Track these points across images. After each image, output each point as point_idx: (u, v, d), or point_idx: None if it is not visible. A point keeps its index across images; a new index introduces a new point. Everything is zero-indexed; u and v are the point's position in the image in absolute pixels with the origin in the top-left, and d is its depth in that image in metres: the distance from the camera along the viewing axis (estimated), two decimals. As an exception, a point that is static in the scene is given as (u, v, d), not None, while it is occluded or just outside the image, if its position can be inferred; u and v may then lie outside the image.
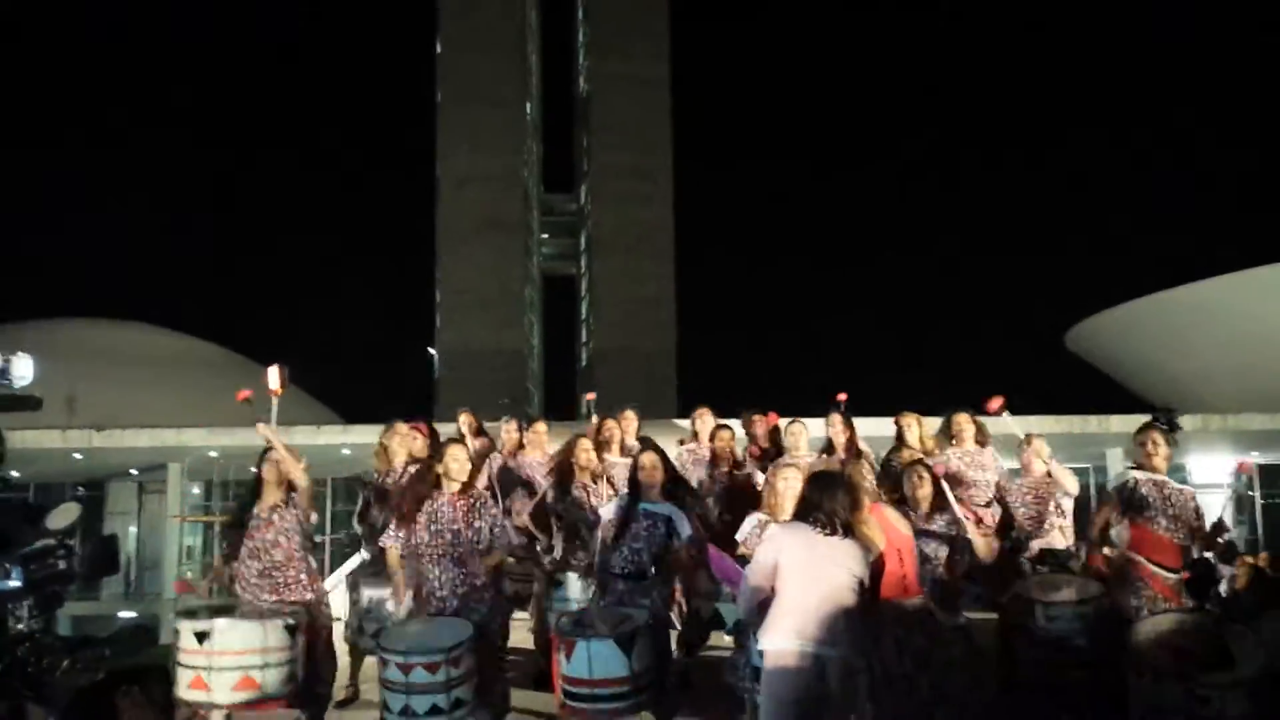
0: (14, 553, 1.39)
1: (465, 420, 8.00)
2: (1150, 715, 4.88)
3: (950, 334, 68.94)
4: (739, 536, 5.63)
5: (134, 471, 27.89)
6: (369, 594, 6.40)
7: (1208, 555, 6.54)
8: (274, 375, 12.41)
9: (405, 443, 6.86)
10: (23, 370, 2.64)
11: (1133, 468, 5.88)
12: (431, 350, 62.60)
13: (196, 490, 27.85)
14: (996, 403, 7.27)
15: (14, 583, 1.36)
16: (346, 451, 23.81)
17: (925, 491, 6.01)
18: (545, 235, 71.44)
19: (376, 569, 6.58)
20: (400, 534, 5.45)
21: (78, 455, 23.85)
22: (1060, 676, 5.74)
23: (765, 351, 74.50)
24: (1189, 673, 4.81)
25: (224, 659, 4.84)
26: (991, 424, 7.22)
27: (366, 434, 23.57)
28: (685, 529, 5.75)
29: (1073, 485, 6.85)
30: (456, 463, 5.55)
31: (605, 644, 5.09)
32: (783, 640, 4.05)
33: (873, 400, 7.79)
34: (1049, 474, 6.79)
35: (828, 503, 4.08)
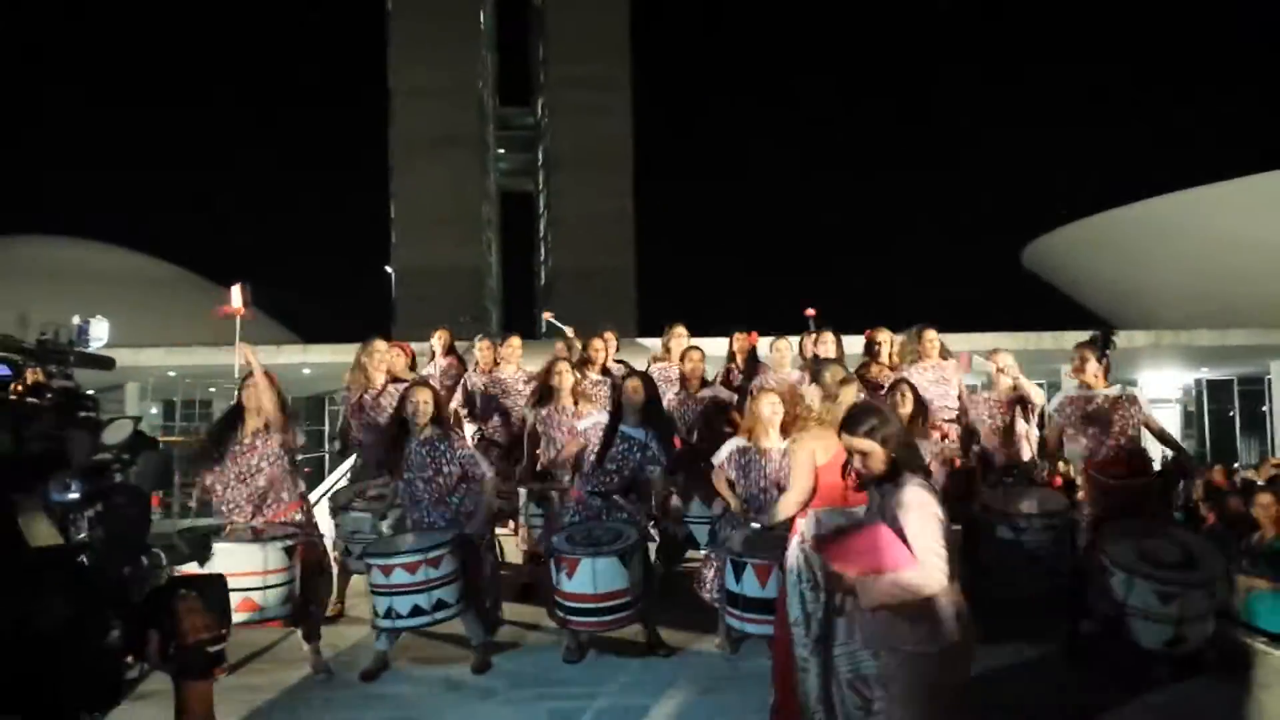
0: (73, 467, 1.43)
1: (440, 337, 8.02)
2: (1115, 612, 5.10)
3: (910, 250, 69.23)
4: (716, 460, 5.71)
5: (90, 391, 27.63)
6: (353, 513, 6.49)
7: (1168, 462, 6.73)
8: (236, 294, 12.32)
9: (386, 359, 6.87)
10: (99, 332, 2.72)
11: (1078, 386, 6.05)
12: (388, 269, 62.00)
13: (155, 410, 27.64)
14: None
15: (73, 495, 1.40)
16: (307, 371, 23.72)
17: (907, 410, 6.15)
18: (501, 150, 70.45)
19: (359, 488, 6.66)
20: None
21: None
22: (1028, 587, 5.94)
23: (725, 269, 74.46)
24: (1154, 571, 5.02)
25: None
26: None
27: (326, 353, 23.52)
28: (660, 455, 5.86)
29: (1038, 396, 7.01)
30: (423, 405, 5.65)
31: (609, 560, 5.28)
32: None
33: (834, 316, 7.90)
34: (1014, 387, 6.94)
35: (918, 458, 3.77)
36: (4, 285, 29.95)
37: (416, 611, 5.20)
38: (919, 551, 3.30)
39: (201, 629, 1.41)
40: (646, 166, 61.81)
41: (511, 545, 7.60)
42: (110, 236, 39.96)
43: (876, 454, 3.53)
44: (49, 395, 1.92)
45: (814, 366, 4.97)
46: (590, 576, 5.29)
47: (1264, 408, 21.44)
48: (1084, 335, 6.31)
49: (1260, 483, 9.94)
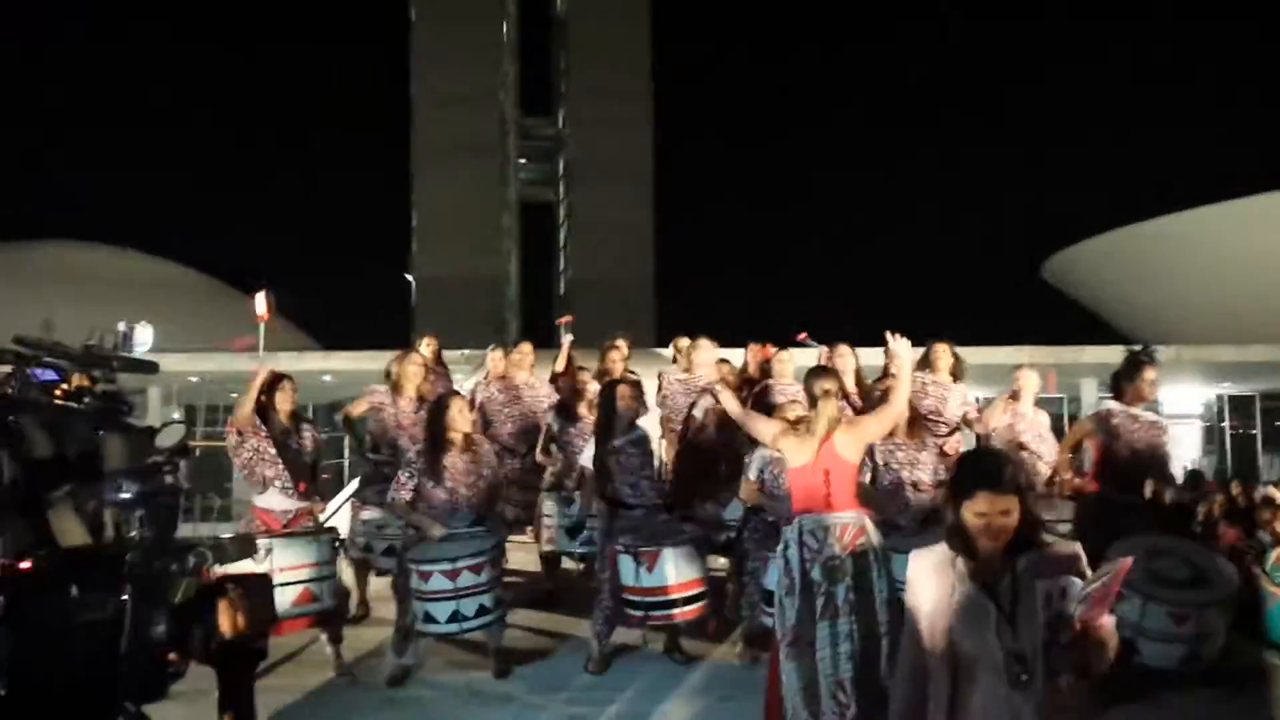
0: (127, 469, 1.50)
1: (429, 344, 7.95)
2: (1128, 634, 5.10)
3: (931, 264, 69.10)
4: (750, 475, 5.75)
5: (129, 397, 27.86)
6: (375, 514, 6.57)
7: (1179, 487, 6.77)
8: (261, 301, 12.46)
9: (418, 375, 6.88)
10: (144, 338, 2.83)
11: (1109, 398, 6.08)
12: (408, 277, 62.26)
13: (177, 415, 27.86)
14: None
15: (126, 495, 1.47)
16: (327, 379, 23.87)
17: (903, 417, 6.19)
18: (522, 160, 70.63)
19: (380, 488, 6.74)
20: (410, 489, 5.62)
21: None
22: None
23: (744, 281, 74.44)
24: (1166, 593, 5.02)
25: (284, 574, 5.10)
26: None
27: (346, 361, 23.67)
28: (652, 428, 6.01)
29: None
30: (461, 416, 5.74)
31: (687, 549, 5.42)
32: None
33: (853, 330, 7.91)
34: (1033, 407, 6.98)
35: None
36: (29, 289, 30.24)
37: (482, 611, 5.28)
38: None
39: (243, 626, 1.47)
40: (667, 177, 61.75)
41: (525, 554, 7.66)
42: (132, 242, 40.41)
43: (1016, 510, 2.70)
44: (87, 400, 2.00)
45: (806, 376, 5.01)
46: (673, 566, 5.43)
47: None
48: (1104, 350, 6.37)
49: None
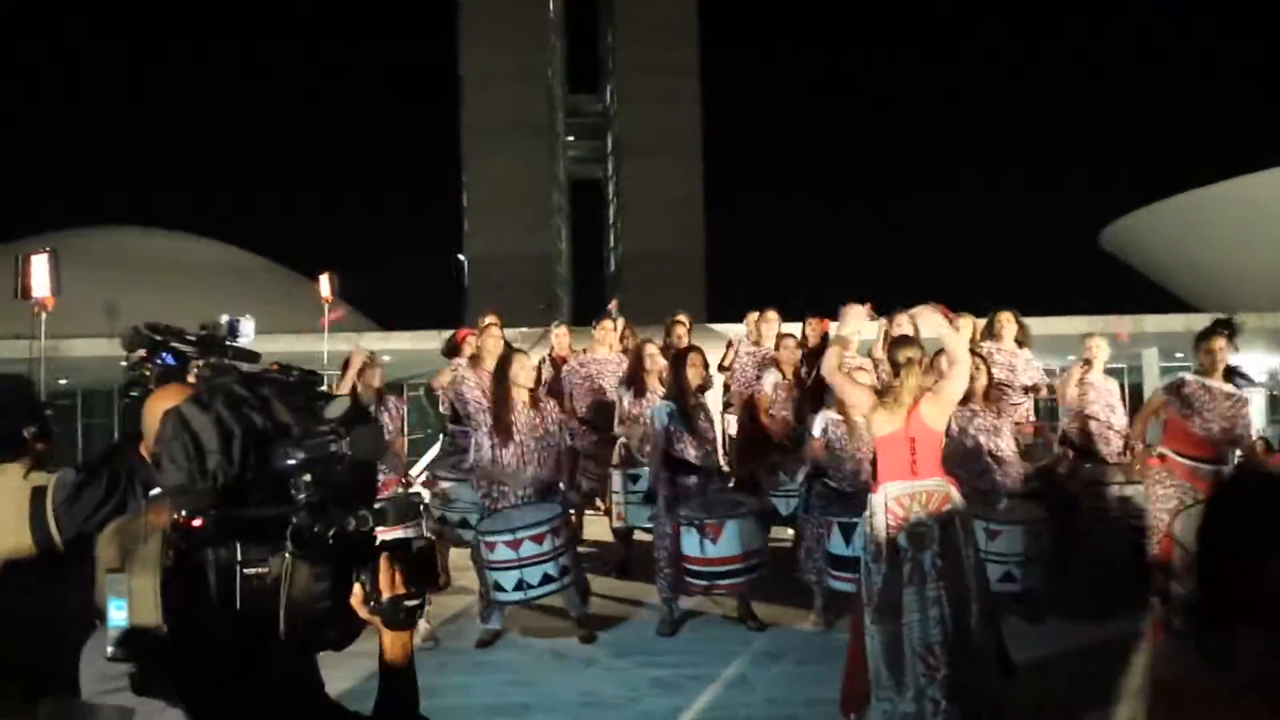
0: (294, 437, 1.63)
1: (492, 320, 7.96)
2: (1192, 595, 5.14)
3: (988, 233, 68.25)
4: (815, 432, 5.93)
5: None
6: (448, 486, 6.77)
7: (1244, 457, 6.75)
8: (325, 283, 12.71)
9: (498, 347, 7.01)
10: (247, 329, 3.01)
11: (1196, 371, 6.07)
12: (460, 255, 62.75)
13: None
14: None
15: (292, 461, 1.60)
16: (387, 358, 24.21)
17: (981, 382, 6.25)
18: (571, 137, 70.71)
19: (454, 462, 6.94)
20: (491, 445, 5.82)
21: (124, 363, 24.36)
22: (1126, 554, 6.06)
23: (796, 256, 74.13)
24: None
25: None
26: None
27: (405, 340, 24.03)
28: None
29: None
30: (524, 371, 5.91)
31: (749, 520, 5.60)
32: None
33: (909, 300, 7.93)
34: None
35: None
36: (93, 275, 30.93)
37: (546, 580, 5.50)
38: None
39: (400, 585, 1.60)
40: (717, 152, 61.54)
41: (602, 525, 7.83)
42: (194, 228, 41.17)
43: None
44: (293, 376, 2.17)
45: (889, 346, 5.07)
46: (737, 537, 5.62)
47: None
48: (1165, 319, 6.39)
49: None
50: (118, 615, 1.45)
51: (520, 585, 5.46)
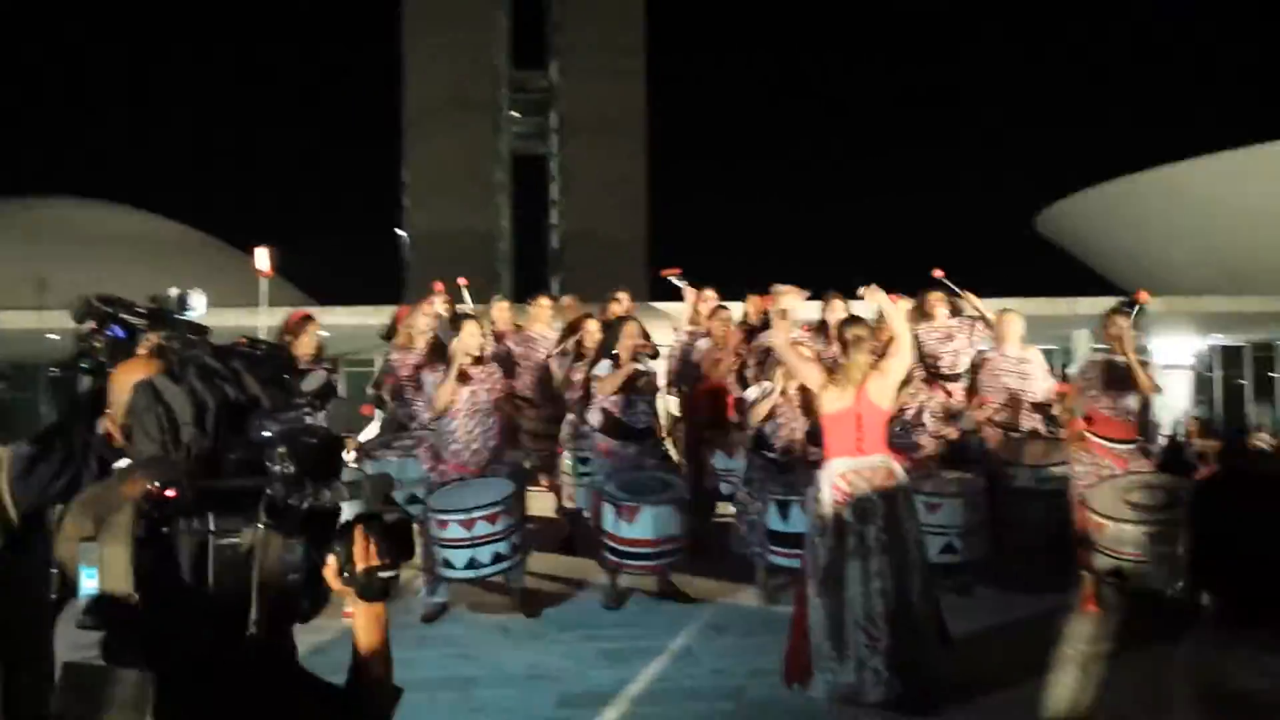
0: (269, 409, 1.65)
1: (442, 298, 8.02)
2: (1117, 563, 5.33)
3: (923, 215, 69.00)
4: (748, 397, 6.07)
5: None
6: (383, 464, 6.77)
7: (1173, 435, 6.97)
8: (263, 257, 12.55)
9: (430, 324, 7.05)
10: (197, 303, 2.97)
11: (1099, 349, 6.23)
12: (401, 232, 62.02)
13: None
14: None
15: (267, 434, 1.62)
16: (324, 333, 23.93)
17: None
18: (514, 114, 70.05)
19: (387, 440, 6.94)
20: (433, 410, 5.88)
21: (53, 336, 23.82)
22: (1046, 533, 6.24)
23: (738, 235, 74.30)
24: (1144, 518, 5.25)
25: None
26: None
27: (342, 315, 23.72)
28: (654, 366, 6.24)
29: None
30: (473, 338, 5.95)
31: (668, 508, 5.64)
32: None
33: (844, 283, 8.07)
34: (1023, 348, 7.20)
35: None
36: (25, 247, 30.16)
37: (498, 559, 5.52)
38: None
39: (373, 557, 1.63)
40: (661, 131, 61.35)
41: (544, 501, 7.87)
42: (129, 200, 40.17)
43: None
44: (261, 350, 2.19)
45: (838, 326, 5.19)
46: (651, 523, 5.66)
47: (1275, 374, 21.55)
48: (1097, 302, 6.56)
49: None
50: (89, 584, 1.48)
51: (472, 564, 5.51)
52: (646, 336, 6.48)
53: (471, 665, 5.11)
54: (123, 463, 1.91)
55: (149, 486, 1.53)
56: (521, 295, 8.82)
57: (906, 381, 6.18)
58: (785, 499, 5.49)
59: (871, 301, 4.91)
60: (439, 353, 6.41)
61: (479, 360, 6.02)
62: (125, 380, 2.11)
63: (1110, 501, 5.41)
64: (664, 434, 7.10)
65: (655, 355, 6.54)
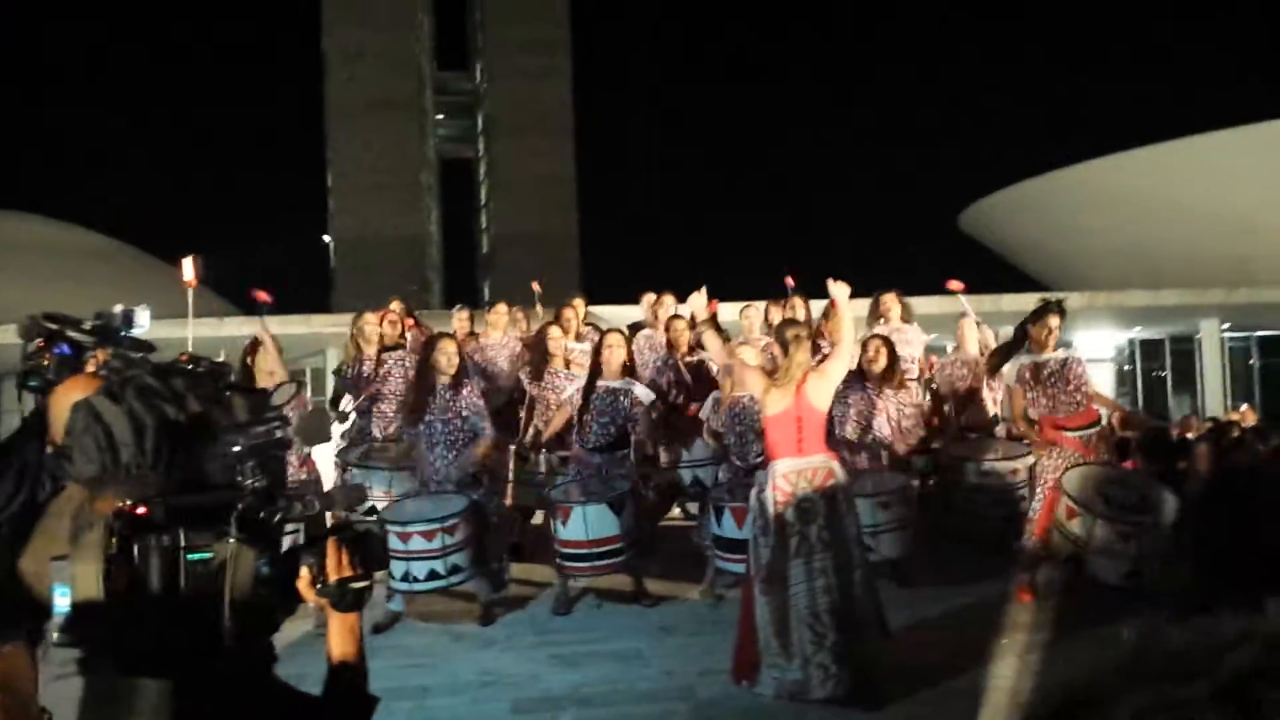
0: (239, 424, 1.65)
1: (399, 308, 8.07)
2: (1077, 551, 5.51)
3: (853, 214, 69.98)
4: (702, 414, 6.10)
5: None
6: (355, 475, 6.71)
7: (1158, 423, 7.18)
8: (188, 266, 12.36)
9: (375, 331, 7.06)
10: (143, 319, 2.97)
11: (1026, 351, 6.30)
12: (326, 237, 61.21)
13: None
14: (957, 284, 7.84)
15: (237, 448, 1.62)
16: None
17: (881, 364, 6.53)
18: (440, 116, 69.53)
19: (360, 452, 6.88)
20: (411, 425, 5.86)
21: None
22: (994, 527, 6.39)
23: (668, 235, 74.65)
24: (1114, 513, 5.43)
25: None
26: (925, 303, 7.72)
27: (272, 325, 23.32)
28: (644, 394, 6.18)
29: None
30: (445, 356, 5.92)
31: (599, 508, 5.65)
32: None
33: (772, 284, 8.22)
34: (982, 352, 7.34)
35: None
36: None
37: (433, 576, 5.49)
38: None
39: (346, 568, 1.65)
40: (589, 131, 61.39)
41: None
42: (45, 209, 39.08)
43: None
44: (201, 367, 2.17)
45: (777, 327, 5.28)
46: (582, 523, 5.67)
47: (1194, 367, 22.20)
48: (1020, 299, 6.72)
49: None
50: (62, 601, 1.48)
51: (406, 576, 5.49)
52: (630, 355, 6.45)
53: (424, 674, 5.09)
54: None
55: (119, 504, 1.52)
56: (452, 300, 8.79)
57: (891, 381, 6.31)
58: (740, 506, 5.50)
59: (836, 295, 4.99)
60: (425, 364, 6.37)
61: (455, 379, 5.99)
62: (64, 400, 2.09)
63: (1087, 491, 5.57)
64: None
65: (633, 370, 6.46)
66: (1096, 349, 22.12)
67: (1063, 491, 5.67)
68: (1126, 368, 24.74)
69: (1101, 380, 22.63)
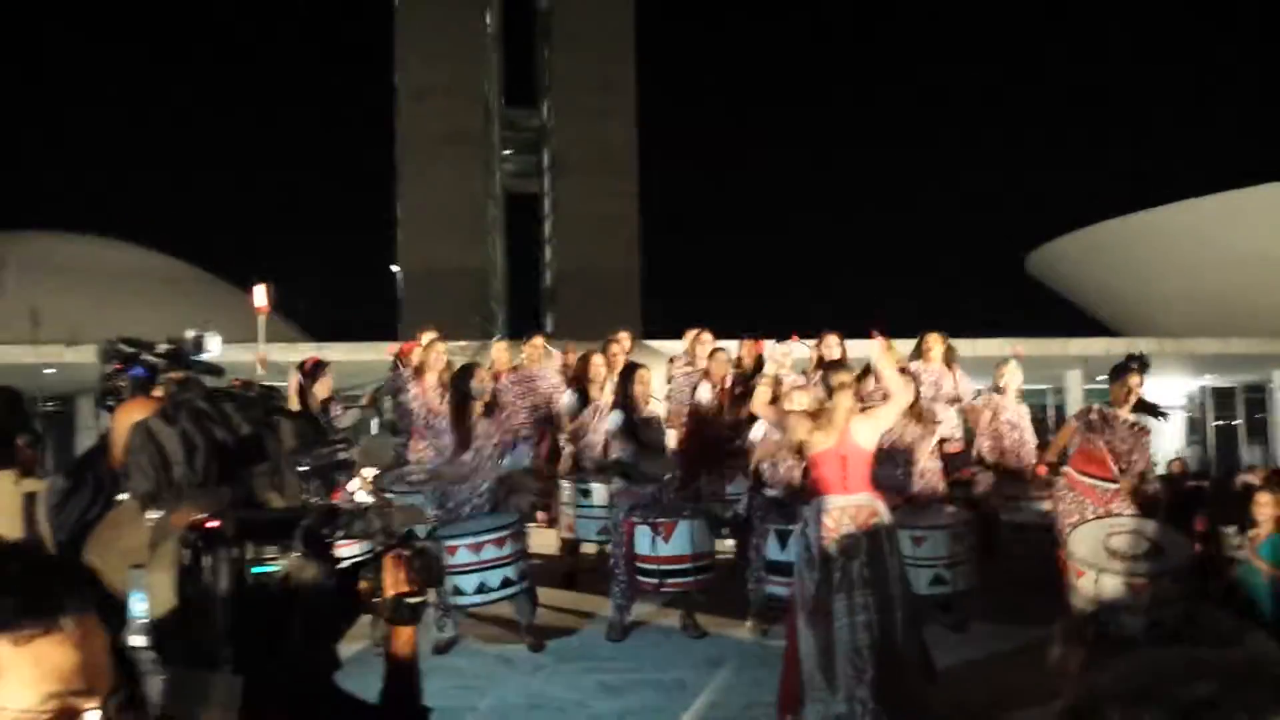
0: (304, 445, 1.77)
1: (430, 336, 8.00)
2: (1091, 607, 5.45)
3: (917, 256, 69.56)
4: (753, 436, 6.24)
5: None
6: (395, 494, 6.85)
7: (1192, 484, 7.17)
8: (261, 293, 12.65)
9: (441, 361, 7.16)
10: (213, 345, 3.13)
11: (1107, 402, 6.41)
12: (395, 268, 62.17)
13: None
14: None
15: (303, 468, 1.74)
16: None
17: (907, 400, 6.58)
18: (507, 151, 70.43)
19: (403, 474, 7.04)
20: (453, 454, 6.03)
21: (49, 370, 23.83)
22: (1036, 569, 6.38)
23: (730, 273, 74.74)
24: (1120, 564, 5.39)
25: None
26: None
27: (341, 352, 23.84)
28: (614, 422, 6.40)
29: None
30: (480, 384, 6.10)
31: (699, 522, 5.87)
32: None
33: (836, 322, 8.23)
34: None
35: None
36: (17, 280, 30.21)
37: (506, 583, 5.67)
38: None
39: (403, 584, 1.75)
40: (652, 169, 61.76)
41: (545, 537, 7.96)
42: (120, 233, 40.25)
43: None
44: (254, 392, 2.30)
45: (822, 370, 5.42)
46: (688, 537, 5.86)
47: (1267, 415, 21.73)
48: (1087, 343, 6.75)
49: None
50: (140, 607, 1.61)
51: (481, 588, 5.64)
52: (650, 381, 6.62)
53: (474, 695, 5.20)
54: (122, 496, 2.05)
55: (194, 517, 1.65)
56: (517, 333, 8.94)
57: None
58: (784, 528, 5.68)
59: (874, 358, 5.12)
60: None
61: (488, 406, 6.20)
62: (125, 421, 2.25)
63: (1091, 547, 5.54)
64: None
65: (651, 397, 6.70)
66: (1166, 397, 21.76)
67: (1065, 552, 5.70)
68: (1197, 416, 24.26)
69: (1171, 430, 22.23)
